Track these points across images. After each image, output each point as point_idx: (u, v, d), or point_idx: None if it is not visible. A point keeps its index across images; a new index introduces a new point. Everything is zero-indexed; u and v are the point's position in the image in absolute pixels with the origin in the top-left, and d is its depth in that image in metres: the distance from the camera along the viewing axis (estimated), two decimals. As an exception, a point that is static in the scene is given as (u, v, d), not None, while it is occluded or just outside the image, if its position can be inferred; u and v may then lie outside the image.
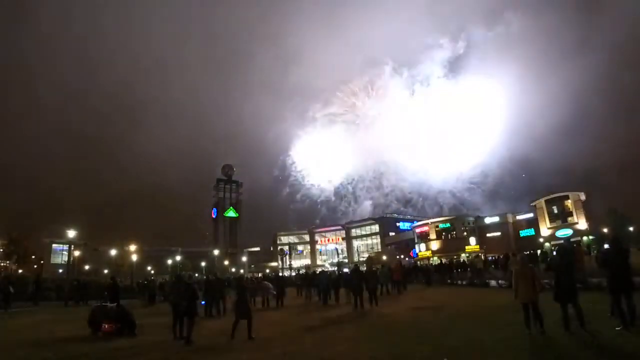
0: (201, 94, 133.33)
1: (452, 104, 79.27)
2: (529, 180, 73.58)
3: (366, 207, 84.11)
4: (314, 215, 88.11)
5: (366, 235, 74.93)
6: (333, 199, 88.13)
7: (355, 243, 74.96)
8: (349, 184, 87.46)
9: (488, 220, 51.25)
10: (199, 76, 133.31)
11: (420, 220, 60.95)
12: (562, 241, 39.19)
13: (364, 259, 60.34)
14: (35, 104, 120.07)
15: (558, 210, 44.09)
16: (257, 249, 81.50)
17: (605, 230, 43.29)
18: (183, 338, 9.10)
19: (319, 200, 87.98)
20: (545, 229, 44.47)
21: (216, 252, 65.81)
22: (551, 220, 44.36)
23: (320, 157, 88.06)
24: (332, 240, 77.50)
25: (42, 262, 61.40)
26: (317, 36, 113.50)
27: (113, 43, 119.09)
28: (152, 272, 60.15)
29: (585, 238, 39.98)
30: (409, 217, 74.27)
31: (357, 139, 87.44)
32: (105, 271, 53.68)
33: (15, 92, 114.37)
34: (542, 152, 76.23)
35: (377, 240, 71.46)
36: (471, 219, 52.81)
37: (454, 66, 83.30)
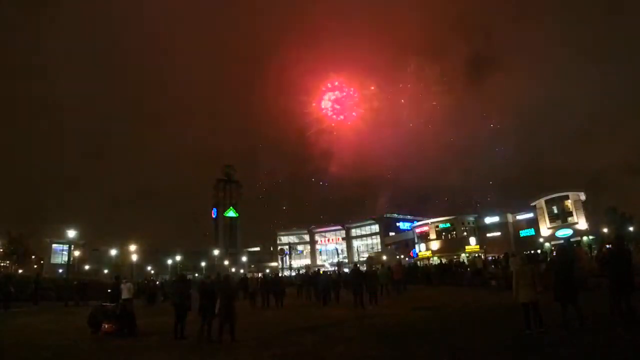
0: (206, 94, 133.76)
1: (472, 101, 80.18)
2: (539, 180, 74.31)
3: (381, 203, 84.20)
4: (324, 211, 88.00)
5: (366, 235, 74.89)
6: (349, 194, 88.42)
7: (355, 243, 74.93)
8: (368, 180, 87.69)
9: (488, 220, 51.17)
10: (203, 76, 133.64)
11: (420, 220, 60.97)
12: (562, 241, 39.18)
13: (364, 259, 60.31)
14: (44, 103, 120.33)
15: (558, 210, 44.02)
16: (257, 249, 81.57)
17: (605, 230, 43.26)
18: (184, 338, 9.12)
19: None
20: (545, 229, 44.42)
21: (216, 252, 65.84)
22: (551, 220, 44.31)
23: (338, 152, 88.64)
24: (332, 240, 77.49)
25: (42, 262, 61.31)
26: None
27: (129, 44, 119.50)
28: (152, 272, 60.12)
29: (585, 238, 39.95)
30: (409, 217, 74.29)
31: (375, 135, 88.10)
32: (106, 271, 53.61)
33: (25, 90, 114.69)
34: (553, 151, 77.14)
35: (377, 240, 71.43)
36: (471, 219, 52.76)
37: (477, 64, 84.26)
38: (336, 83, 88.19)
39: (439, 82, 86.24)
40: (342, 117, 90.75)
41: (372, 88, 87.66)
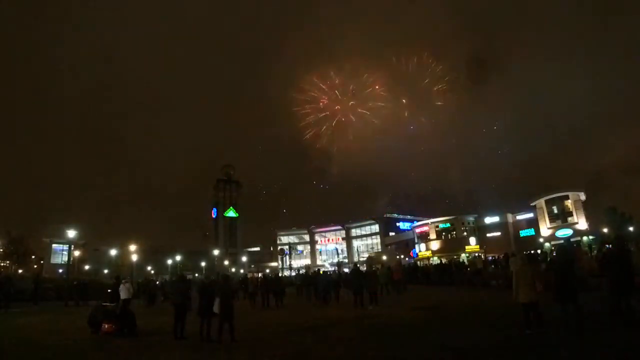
0: (206, 94, 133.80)
1: (473, 102, 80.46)
2: (539, 180, 74.54)
3: (382, 203, 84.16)
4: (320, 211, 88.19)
5: (366, 235, 74.89)
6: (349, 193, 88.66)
7: (355, 243, 74.92)
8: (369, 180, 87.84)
9: (488, 220, 51.20)
10: (205, 76, 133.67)
11: (421, 220, 60.97)
12: (562, 241, 39.20)
13: (364, 259, 60.33)
14: (45, 103, 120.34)
15: (558, 210, 44.05)
16: (257, 249, 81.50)
17: (605, 230, 43.23)
18: (184, 338, 9.12)
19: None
20: (545, 229, 44.44)
21: (216, 252, 65.78)
22: (551, 220, 44.34)
23: (338, 152, 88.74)
24: (332, 240, 77.49)
25: (42, 262, 61.29)
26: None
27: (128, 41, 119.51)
28: (152, 272, 60.07)
29: (585, 238, 39.96)
30: (409, 217, 74.32)
31: (375, 135, 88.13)
32: (106, 271, 53.58)
33: (26, 89, 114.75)
34: (554, 151, 77.47)
35: (377, 240, 71.44)
36: (471, 219, 52.77)
37: (478, 64, 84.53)
38: (337, 82, 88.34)
39: (440, 82, 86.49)
40: (342, 118, 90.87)
41: (377, 87, 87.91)
